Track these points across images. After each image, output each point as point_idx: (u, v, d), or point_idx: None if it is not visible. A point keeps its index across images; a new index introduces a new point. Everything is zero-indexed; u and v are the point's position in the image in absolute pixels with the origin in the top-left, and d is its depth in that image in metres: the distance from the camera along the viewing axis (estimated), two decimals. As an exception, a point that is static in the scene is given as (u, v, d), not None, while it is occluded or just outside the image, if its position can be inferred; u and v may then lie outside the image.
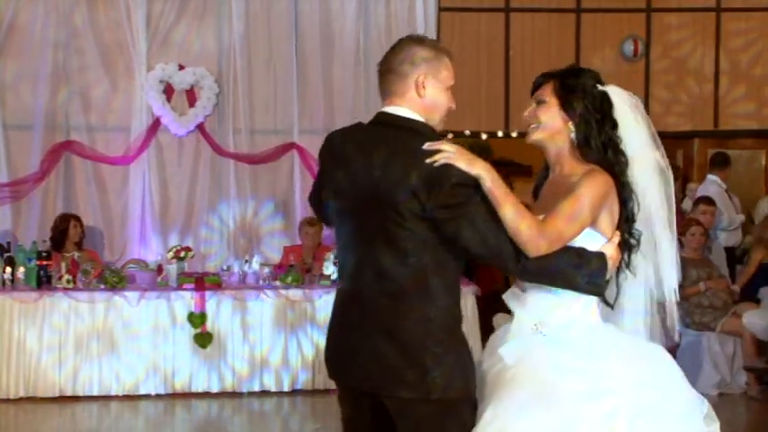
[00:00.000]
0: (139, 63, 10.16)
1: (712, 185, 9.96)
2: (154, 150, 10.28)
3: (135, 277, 8.92)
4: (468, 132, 11.46)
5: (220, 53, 10.42)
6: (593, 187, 3.25)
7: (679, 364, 8.67)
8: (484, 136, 11.99)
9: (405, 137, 3.27)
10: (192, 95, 10.30)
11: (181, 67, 10.23)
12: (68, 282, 8.48)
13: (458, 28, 10.96)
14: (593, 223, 3.28)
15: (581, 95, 3.38)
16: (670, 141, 11.57)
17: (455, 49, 10.94)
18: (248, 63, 10.38)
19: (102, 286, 8.49)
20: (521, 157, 14.15)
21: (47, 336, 8.31)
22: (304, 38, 10.47)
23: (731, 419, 8.07)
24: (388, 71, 3.38)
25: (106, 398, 8.34)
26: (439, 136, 3.32)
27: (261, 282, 8.82)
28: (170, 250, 9.09)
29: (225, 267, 9.25)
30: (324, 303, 8.46)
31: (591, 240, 3.28)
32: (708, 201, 9.44)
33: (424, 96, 3.34)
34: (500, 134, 11.28)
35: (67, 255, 8.92)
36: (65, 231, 9.26)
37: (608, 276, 3.31)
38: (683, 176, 11.17)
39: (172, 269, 8.79)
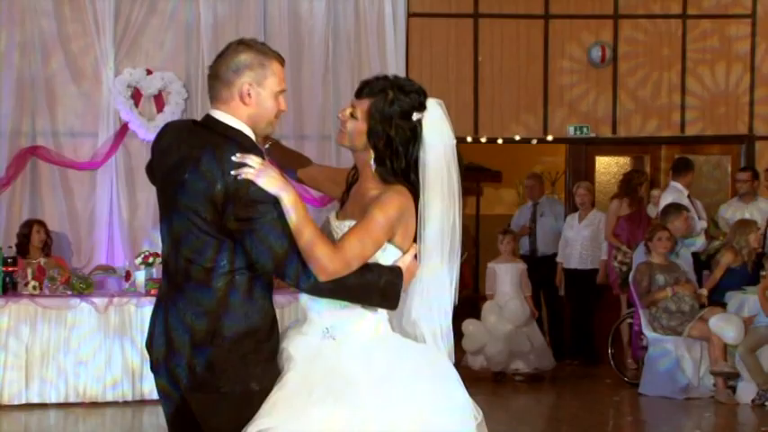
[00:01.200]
0: (107, 67, 10.10)
1: (673, 193, 10.01)
2: (121, 155, 10.21)
3: (103, 283, 8.85)
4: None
5: (188, 58, 10.38)
6: (388, 207, 3.25)
7: (647, 368, 8.80)
8: (453, 141, 11.99)
9: (220, 144, 3.25)
10: (159, 100, 10.25)
11: (149, 72, 10.18)
12: (34, 288, 8.41)
13: (427, 33, 10.98)
14: (389, 238, 3.29)
15: (389, 128, 3.33)
16: (637, 147, 11.70)
17: (424, 54, 11.06)
18: (217, 68, 10.34)
19: (69, 292, 8.43)
20: (490, 163, 14.19)
21: (12, 342, 8.23)
22: (273, 43, 10.37)
23: (699, 423, 8.13)
24: (214, 77, 3.37)
25: (73, 405, 8.28)
26: (255, 146, 3.33)
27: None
28: (138, 256, 9.04)
29: (193, 273, 9.19)
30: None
31: (386, 254, 3.30)
32: (678, 208, 9.47)
33: (249, 104, 3.33)
34: (469, 139, 11.29)
35: (33, 261, 8.85)
36: (27, 236, 9.19)
37: (404, 288, 3.32)
38: (649, 182, 11.24)
39: (140, 275, 8.74)
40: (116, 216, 10.15)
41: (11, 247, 8.99)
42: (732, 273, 9.32)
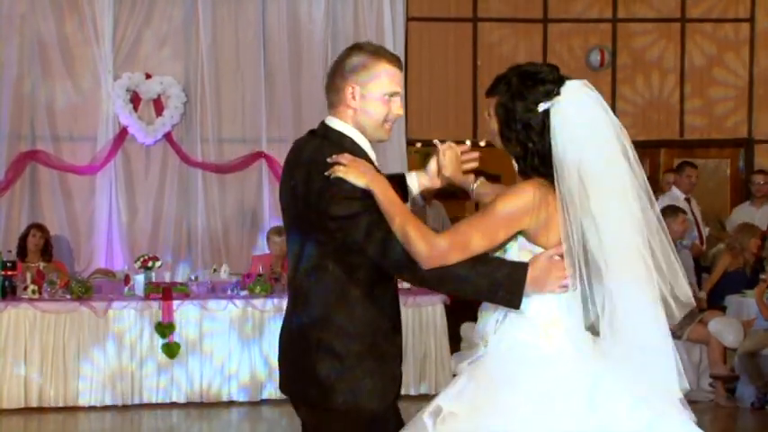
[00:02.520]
0: (106, 72, 10.11)
1: (669, 196, 9.99)
2: (121, 160, 10.22)
3: (102, 287, 8.85)
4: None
5: (187, 62, 10.38)
6: (510, 200, 3.06)
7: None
8: (452, 145, 12.01)
9: (325, 149, 3.23)
10: (159, 104, 10.26)
11: (148, 76, 10.19)
12: (33, 292, 8.41)
13: (426, 38, 11.00)
14: (529, 235, 3.10)
15: (517, 124, 3.12)
16: (636, 151, 11.66)
17: (423, 58, 11.06)
18: (216, 72, 10.36)
19: (69, 296, 8.42)
20: (489, 167, 14.18)
21: (11, 346, 8.23)
22: (272, 47, 10.46)
23: (698, 427, 8.12)
24: (328, 83, 3.36)
25: (72, 409, 8.27)
26: (358, 148, 3.28)
27: (229, 291, 8.78)
28: (137, 260, 9.04)
29: (193, 277, 9.21)
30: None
31: (525, 253, 3.11)
32: (675, 210, 9.47)
33: (357, 108, 3.28)
34: (468, 143, 11.31)
35: (32, 265, 8.84)
36: (24, 240, 9.19)
37: (542, 291, 3.07)
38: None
39: (139, 279, 8.74)
40: (115, 220, 10.15)
41: (10, 251, 8.99)
42: (730, 276, 9.31)
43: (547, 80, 3.14)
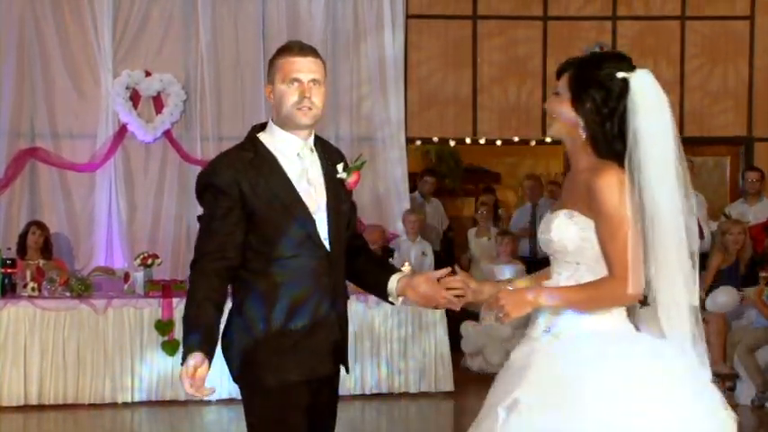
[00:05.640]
0: (105, 69, 10.10)
1: None
2: (120, 157, 10.22)
3: (101, 285, 8.85)
4: (435, 139, 11.49)
5: (187, 59, 10.37)
6: (610, 193, 3.10)
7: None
8: (452, 143, 12.03)
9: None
10: (158, 102, 10.25)
11: (147, 74, 10.18)
12: (33, 290, 8.41)
13: (425, 34, 10.99)
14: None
15: (595, 89, 3.19)
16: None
17: (423, 55, 11.06)
18: (215, 69, 10.35)
19: (68, 294, 8.42)
20: (489, 164, 14.20)
21: (11, 344, 8.23)
22: (271, 43, 10.43)
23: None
24: None
25: (72, 406, 8.27)
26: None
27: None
28: (137, 257, 9.04)
29: (192, 275, 9.19)
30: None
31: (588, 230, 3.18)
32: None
33: (274, 104, 3.54)
34: (468, 141, 11.31)
35: (32, 262, 8.84)
36: (24, 237, 9.18)
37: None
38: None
39: (139, 276, 8.74)
40: (115, 218, 10.15)
41: (10, 248, 8.98)
42: (723, 273, 9.29)
43: (623, 57, 3.31)
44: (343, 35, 10.58)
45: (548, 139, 11.28)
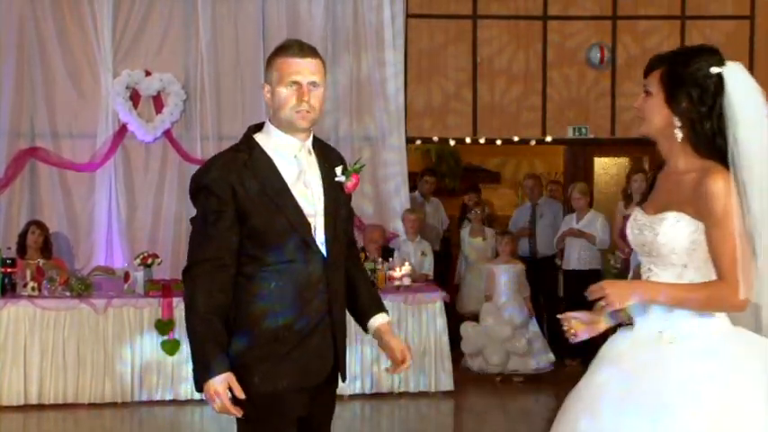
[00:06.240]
0: (105, 69, 10.10)
1: None
2: (120, 157, 10.21)
3: (101, 285, 8.85)
4: (435, 139, 11.49)
5: (187, 59, 10.37)
6: (722, 198, 3.05)
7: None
8: (452, 142, 12.02)
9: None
10: (158, 102, 10.25)
11: (147, 74, 10.18)
12: (33, 289, 8.41)
13: (425, 34, 10.98)
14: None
15: (689, 86, 3.11)
16: (637, 147, 11.68)
17: (422, 55, 11.05)
18: (215, 69, 10.34)
19: (68, 294, 8.42)
20: (489, 164, 14.20)
21: (11, 344, 8.24)
22: (271, 43, 10.38)
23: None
24: None
25: (72, 406, 8.28)
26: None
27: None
28: (137, 257, 9.04)
29: (192, 274, 9.19)
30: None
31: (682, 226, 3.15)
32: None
33: (271, 105, 3.51)
34: (468, 140, 11.31)
35: (32, 262, 8.84)
36: (24, 237, 9.18)
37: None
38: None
39: (139, 276, 8.74)
40: (115, 217, 10.14)
41: (9, 248, 8.98)
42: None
43: (713, 50, 3.19)
44: (343, 35, 10.57)
45: (548, 139, 11.27)
